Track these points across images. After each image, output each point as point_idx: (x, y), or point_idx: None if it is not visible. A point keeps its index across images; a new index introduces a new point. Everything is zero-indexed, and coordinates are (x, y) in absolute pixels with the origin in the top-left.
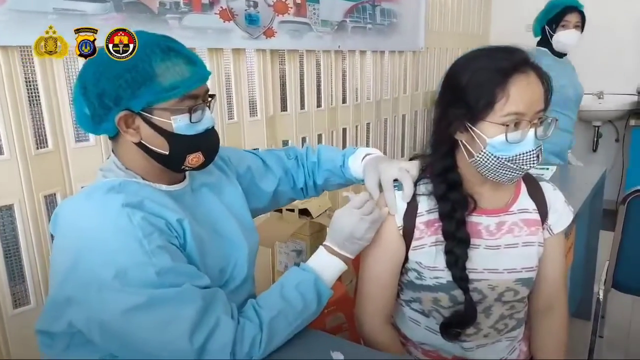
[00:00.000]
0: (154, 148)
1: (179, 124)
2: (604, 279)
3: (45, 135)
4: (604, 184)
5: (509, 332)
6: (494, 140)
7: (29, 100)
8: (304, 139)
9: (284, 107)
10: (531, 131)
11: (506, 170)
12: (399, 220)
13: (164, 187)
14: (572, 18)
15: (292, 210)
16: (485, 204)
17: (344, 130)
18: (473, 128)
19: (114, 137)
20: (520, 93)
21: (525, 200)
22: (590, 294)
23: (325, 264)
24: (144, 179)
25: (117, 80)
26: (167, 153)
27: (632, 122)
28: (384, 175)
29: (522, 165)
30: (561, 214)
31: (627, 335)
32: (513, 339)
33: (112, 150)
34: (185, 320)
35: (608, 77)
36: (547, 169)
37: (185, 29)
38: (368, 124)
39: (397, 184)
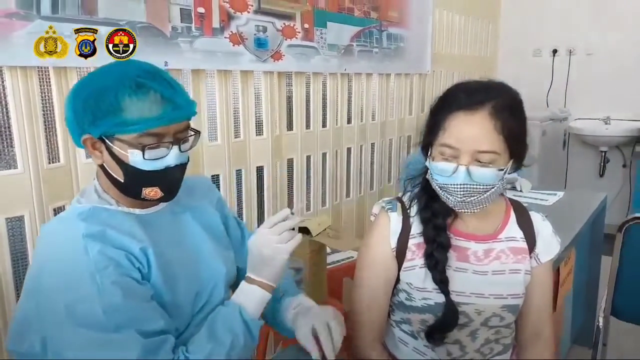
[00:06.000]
0: (112, 173)
1: (134, 158)
2: (603, 306)
3: (58, 150)
4: (604, 209)
5: (494, 357)
6: (433, 164)
7: (44, 118)
8: (308, 158)
9: (289, 127)
10: (461, 168)
11: (445, 195)
12: (393, 242)
13: (138, 211)
14: None
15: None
16: (473, 230)
17: (349, 149)
18: (430, 150)
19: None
20: (456, 128)
21: (513, 229)
22: (592, 320)
23: (247, 294)
24: (118, 203)
25: (83, 104)
26: (122, 181)
27: (639, 149)
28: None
29: (448, 195)
30: (548, 244)
31: None
32: None
33: (97, 173)
34: None
35: (614, 103)
36: (555, 194)
37: (196, 52)
38: (373, 144)
39: (392, 205)
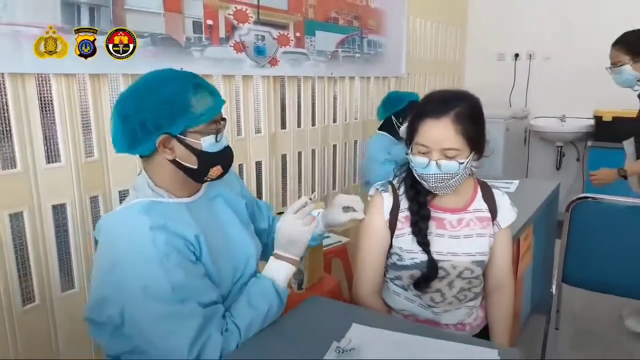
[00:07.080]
0: (185, 164)
1: (207, 143)
2: (556, 274)
3: (92, 146)
4: (557, 197)
5: (468, 302)
6: (412, 158)
7: (82, 118)
8: (299, 153)
9: (283, 126)
10: (432, 162)
11: (422, 181)
12: (386, 215)
13: (185, 199)
14: None
15: None
16: (448, 204)
17: (334, 146)
18: (411, 147)
19: (147, 156)
20: (426, 131)
21: (479, 203)
22: (549, 292)
23: (276, 269)
24: (169, 194)
25: (157, 110)
26: (195, 167)
27: (590, 144)
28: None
29: (424, 182)
30: (506, 213)
31: (580, 327)
32: (472, 307)
33: (144, 168)
34: (187, 333)
35: (569, 102)
36: (512, 182)
37: (206, 59)
38: (355, 141)
39: (384, 187)
